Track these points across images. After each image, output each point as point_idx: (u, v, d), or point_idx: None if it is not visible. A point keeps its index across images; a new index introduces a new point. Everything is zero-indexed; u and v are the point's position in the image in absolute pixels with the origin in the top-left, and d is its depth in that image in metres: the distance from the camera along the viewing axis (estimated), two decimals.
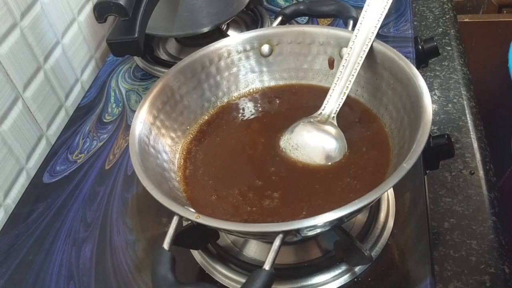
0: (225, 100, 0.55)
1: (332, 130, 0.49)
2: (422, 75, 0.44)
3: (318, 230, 0.40)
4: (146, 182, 0.40)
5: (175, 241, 0.38)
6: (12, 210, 0.59)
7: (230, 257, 0.48)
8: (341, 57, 0.53)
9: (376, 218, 0.49)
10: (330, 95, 0.50)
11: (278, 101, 0.55)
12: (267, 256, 0.35)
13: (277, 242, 0.35)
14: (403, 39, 0.71)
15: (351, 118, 0.51)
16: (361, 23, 0.49)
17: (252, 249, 0.49)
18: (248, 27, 0.80)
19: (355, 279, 0.45)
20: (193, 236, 0.44)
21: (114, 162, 0.61)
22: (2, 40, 0.59)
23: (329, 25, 0.75)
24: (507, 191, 0.54)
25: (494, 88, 0.91)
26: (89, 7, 0.78)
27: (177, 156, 0.50)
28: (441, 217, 0.54)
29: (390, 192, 0.51)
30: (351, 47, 0.49)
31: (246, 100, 0.56)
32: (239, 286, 0.35)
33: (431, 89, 0.69)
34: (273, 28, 0.57)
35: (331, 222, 0.36)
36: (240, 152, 0.50)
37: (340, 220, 0.37)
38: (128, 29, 0.56)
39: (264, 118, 0.54)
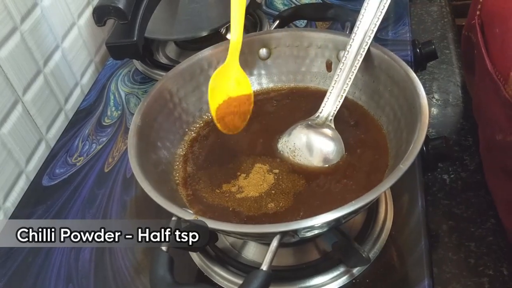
0: None
1: (329, 132, 0.49)
2: (421, 78, 0.44)
3: (316, 231, 0.40)
4: (144, 183, 0.41)
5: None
6: (11, 213, 0.59)
7: (229, 259, 0.48)
8: (338, 60, 0.53)
9: (374, 220, 0.49)
10: (328, 97, 0.50)
11: (276, 104, 0.55)
12: (265, 257, 0.35)
13: (274, 243, 0.35)
14: (401, 43, 0.71)
15: (349, 120, 0.51)
16: (358, 27, 0.49)
17: (251, 251, 0.49)
18: (247, 31, 0.80)
19: (354, 281, 0.45)
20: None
21: (113, 165, 0.62)
22: (2, 44, 0.60)
23: (327, 28, 0.76)
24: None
25: None
26: (88, 11, 0.79)
27: (176, 158, 0.50)
28: (439, 219, 0.54)
29: (389, 194, 0.52)
30: (348, 50, 0.49)
31: None
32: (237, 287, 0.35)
33: (429, 92, 0.69)
34: (272, 31, 0.58)
35: (328, 223, 0.36)
36: (239, 154, 0.50)
37: (338, 221, 0.37)
38: (127, 32, 0.56)
39: (262, 120, 0.54)
